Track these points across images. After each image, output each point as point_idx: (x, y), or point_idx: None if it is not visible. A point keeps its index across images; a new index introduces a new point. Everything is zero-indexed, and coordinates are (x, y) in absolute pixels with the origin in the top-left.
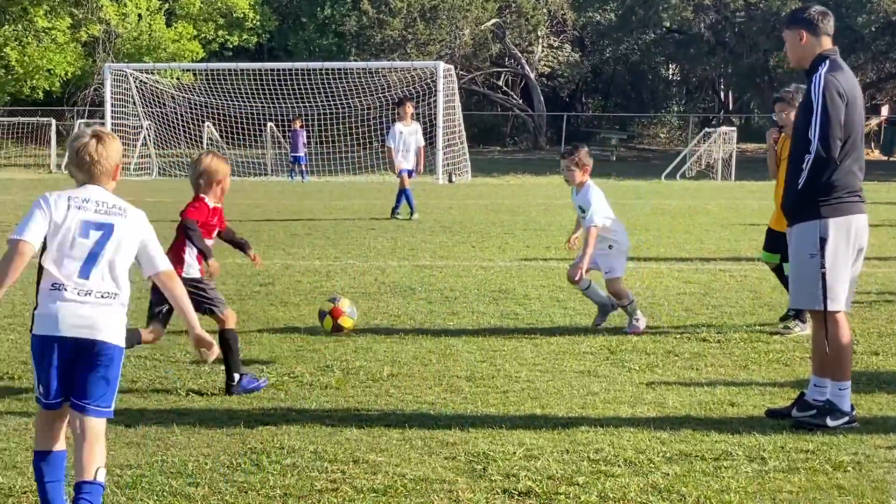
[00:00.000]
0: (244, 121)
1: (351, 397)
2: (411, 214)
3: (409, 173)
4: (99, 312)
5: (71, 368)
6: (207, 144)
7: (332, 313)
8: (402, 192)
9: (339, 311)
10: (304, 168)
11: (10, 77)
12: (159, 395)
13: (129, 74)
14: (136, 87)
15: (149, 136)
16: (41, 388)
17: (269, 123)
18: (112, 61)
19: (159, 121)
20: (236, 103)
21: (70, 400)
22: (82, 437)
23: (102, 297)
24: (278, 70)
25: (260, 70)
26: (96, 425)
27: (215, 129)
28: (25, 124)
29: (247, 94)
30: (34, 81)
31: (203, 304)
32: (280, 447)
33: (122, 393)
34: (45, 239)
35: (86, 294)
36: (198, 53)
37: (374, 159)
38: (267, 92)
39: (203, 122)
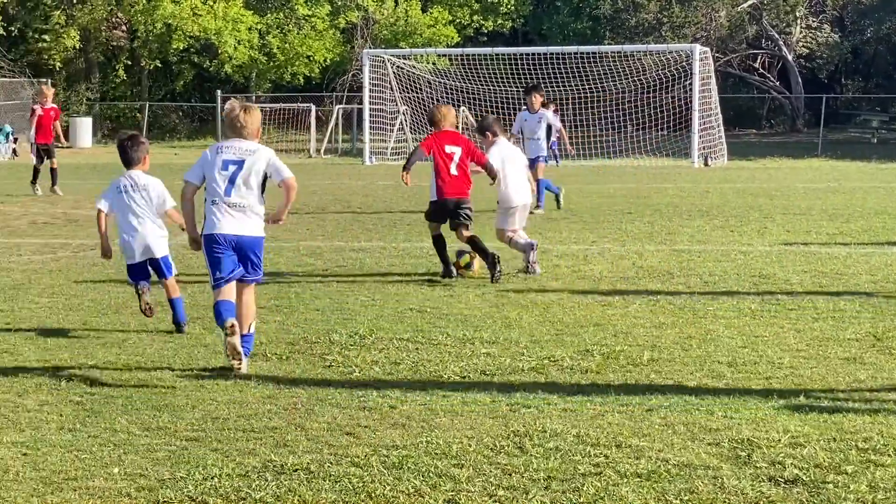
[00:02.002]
0: (499, 105)
1: (612, 381)
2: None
3: (544, 160)
4: (241, 216)
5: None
6: (463, 129)
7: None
8: (538, 182)
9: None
10: (556, 153)
11: (272, 64)
12: (421, 377)
13: (387, 60)
14: (394, 72)
15: (405, 121)
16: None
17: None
18: (370, 47)
19: (415, 106)
20: (491, 88)
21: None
22: (244, 299)
23: (239, 207)
24: (532, 54)
25: (514, 55)
26: (252, 291)
27: (471, 114)
28: (286, 110)
29: (502, 78)
30: (295, 68)
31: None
32: (542, 430)
33: (387, 375)
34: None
35: (230, 206)
36: (453, 38)
37: (628, 143)
38: (521, 76)
39: (458, 107)
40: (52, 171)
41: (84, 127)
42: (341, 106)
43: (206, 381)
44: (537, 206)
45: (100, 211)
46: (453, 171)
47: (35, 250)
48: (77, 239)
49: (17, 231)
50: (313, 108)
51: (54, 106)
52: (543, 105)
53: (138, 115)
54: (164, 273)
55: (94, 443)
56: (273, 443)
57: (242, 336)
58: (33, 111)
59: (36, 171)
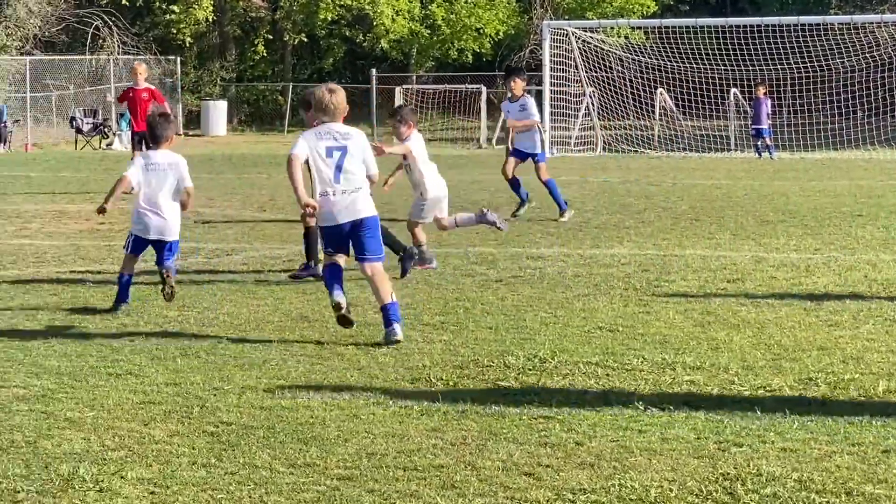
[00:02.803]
0: (703, 87)
1: (839, 416)
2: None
3: (542, 157)
4: (354, 200)
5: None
6: (660, 114)
7: None
8: (545, 184)
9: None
10: (769, 142)
11: (435, 38)
12: (613, 408)
13: (571, 33)
14: (579, 47)
15: (592, 104)
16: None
17: (732, 90)
18: (551, 18)
19: (604, 87)
20: (694, 66)
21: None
22: (374, 277)
23: (350, 192)
24: (743, 27)
25: (722, 27)
26: (380, 268)
27: (669, 96)
28: (452, 92)
29: (706, 55)
30: (462, 43)
31: None
32: (758, 473)
33: (572, 405)
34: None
35: (343, 193)
36: (649, 8)
37: (858, 132)
38: (730, 53)
39: (655, 88)
40: None
41: (218, 112)
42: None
43: (361, 411)
44: (561, 214)
45: (125, 177)
46: None
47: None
48: (210, 243)
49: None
50: (484, 89)
51: (150, 86)
52: (527, 91)
53: (280, 97)
54: (168, 256)
55: (232, 480)
56: (439, 484)
57: (388, 305)
58: (124, 93)
59: None
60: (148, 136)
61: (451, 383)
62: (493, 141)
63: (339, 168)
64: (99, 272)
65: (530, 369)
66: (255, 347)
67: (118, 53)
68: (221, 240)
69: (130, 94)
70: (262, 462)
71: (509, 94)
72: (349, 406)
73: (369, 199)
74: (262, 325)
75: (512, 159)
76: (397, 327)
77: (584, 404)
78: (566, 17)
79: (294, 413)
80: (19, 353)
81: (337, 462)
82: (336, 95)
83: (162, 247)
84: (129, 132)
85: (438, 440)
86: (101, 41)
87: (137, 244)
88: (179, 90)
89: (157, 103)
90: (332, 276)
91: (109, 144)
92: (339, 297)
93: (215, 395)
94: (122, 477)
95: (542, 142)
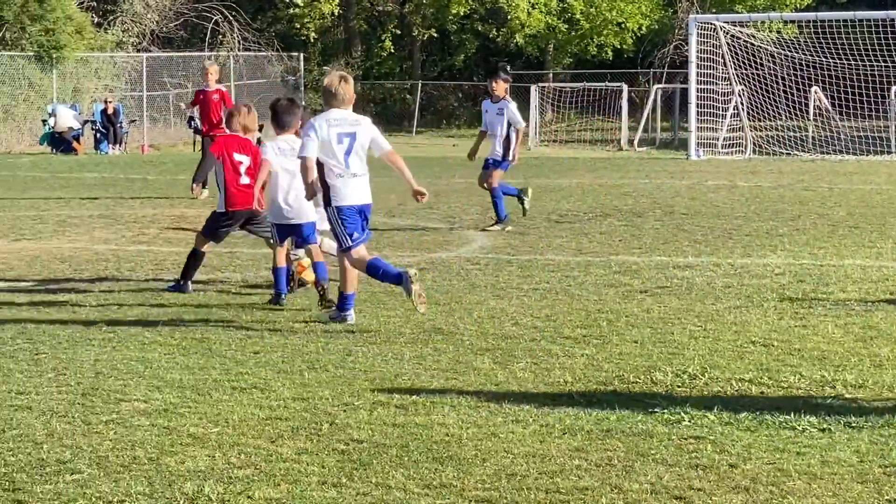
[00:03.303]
0: (862, 85)
1: None
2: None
3: (504, 165)
4: (363, 184)
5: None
6: (815, 114)
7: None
8: (491, 191)
9: (302, 266)
10: None
11: (574, 34)
12: (768, 428)
13: (719, 28)
14: (727, 42)
15: (741, 104)
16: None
17: (893, 88)
18: (697, 11)
19: (754, 85)
20: (852, 63)
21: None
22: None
23: (359, 175)
24: None
25: (883, 20)
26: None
27: (824, 94)
28: (591, 91)
29: (865, 50)
30: (602, 38)
31: None
32: None
33: (724, 425)
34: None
35: (353, 176)
36: (802, 1)
37: None
38: (892, 48)
39: (809, 86)
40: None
41: None
42: (660, 86)
43: (500, 429)
44: (497, 222)
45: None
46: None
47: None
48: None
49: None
50: (625, 88)
51: (220, 87)
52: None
53: (408, 95)
54: (309, 238)
55: (363, 501)
56: None
57: (352, 295)
58: (196, 96)
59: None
60: (274, 122)
61: (594, 400)
62: (636, 142)
63: (348, 153)
64: (223, 281)
65: (679, 386)
66: (386, 361)
67: (239, 50)
68: None
69: (202, 97)
70: (395, 482)
71: (489, 96)
72: (487, 424)
73: (368, 185)
74: (393, 337)
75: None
76: (353, 313)
77: (737, 424)
78: (713, 11)
79: (428, 431)
80: (140, 366)
81: (475, 483)
82: (347, 84)
83: (300, 230)
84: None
85: (582, 461)
86: (220, 37)
87: (281, 232)
88: (302, 88)
89: (226, 106)
90: (381, 263)
91: None
92: (413, 274)
93: (345, 410)
94: (248, 496)
95: (513, 150)
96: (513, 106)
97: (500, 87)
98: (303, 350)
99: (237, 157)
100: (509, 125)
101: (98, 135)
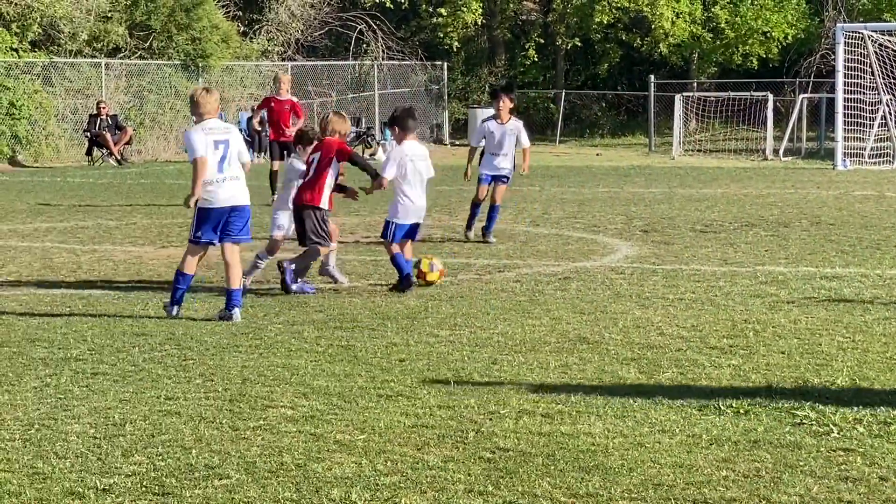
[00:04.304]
0: None
1: None
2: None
3: (493, 179)
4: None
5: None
6: None
7: (419, 277)
8: (475, 206)
9: (422, 273)
10: None
11: (718, 43)
12: None
13: (867, 36)
14: (875, 51)
15: (889, 113)
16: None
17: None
18: (844, 20)
19: None
20: None
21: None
22: (232, 258)
23: (232, 178)
24: None
25: None
26: (237, 250)
27: None
28: (736, 100)
29: None
30: (747, 48)
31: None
32: None
33: (874, 438)
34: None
35: (226, 180)
36: None
37: None
38: None
39: None
40: (273, 174)
41: None
42: (806, 95)
43: (646, 438)
44: (486, 236)
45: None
46: None
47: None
48: (482, 259)
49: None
50: (770, 97)
51: (292, 98)
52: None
53: (552, 105)
54: (415, 237)
55: None
56: None
57: (237, 291)
58: (265, 101)
59: (273, 176)
60: (399, 126)
61: (741, 411)
62: (781, 152)
63: (223, 159)
64: (373, 284)
65: (827, 397)
66: (531, 369)
67: (383, 58)
68: (493, 255)
69: (272, 104)
70: (541, 491)
71: (494, 115)
72: (633, 433)
73: (245, 187)
74: (538, 346)
75: (486, 186)
76: (238, 312)
77: (887, 437)
78: (860, 20)
79: (574, 440)
80: (286, 373)
81: (621, 493)
82: (210, 95)
83: (416, 230)
84: (265, 140)
85: (730, 472)
86: (364, 46)
87: (406, 232)
88: (446, 97)
89: (297, 118)
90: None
91: (373, 155)
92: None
93: (491, 419)
94: (395, 503)
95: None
96: (521, 125)
97: (508, 106)
98: (448, 358)
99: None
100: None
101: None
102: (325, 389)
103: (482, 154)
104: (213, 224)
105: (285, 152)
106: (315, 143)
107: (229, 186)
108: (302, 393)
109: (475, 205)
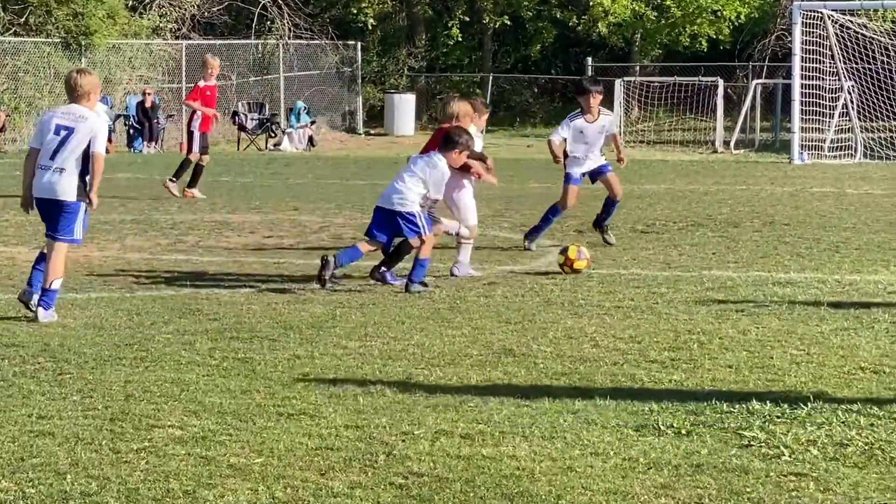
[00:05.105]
0: None
1: None
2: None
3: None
4: (59, 179)
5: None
6: None
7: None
8: (554, 212)
9: (570, 260)
10: None
11: (663, 22)
12: (878, 463)
13: (827, 16)
14: (836, 33)
15: (851, 102)
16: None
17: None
18: None
19: (866, 81)
20: None
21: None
22: (53, 254)
23: (59, 170)
24: None
25: None
26: (61, 248)
27: None
28: (682, 87)
29: None
30: (696, 28)
31: None
32: None
33: (828, 461)
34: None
35: (53, 169)
36: None
37: None
38: None
39: None
40: (199, 168)
41: (404, 107)
42: (760, 81)
43: (577, 462)
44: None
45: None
46: None
47: (342, 277)
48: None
49: (315, 249)
50: (721, 83)
51: (217, 83)
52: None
53: (478, 90)
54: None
55: None
56: None
57: (53, 292)
58: (199, 90)
59: (198, 169)
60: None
61: (683, 432)
62: (732, 144)
63: (60, 146)
64: (274, 290)
65: (778, 416)
66: (450, 385)
67: (289, 37)
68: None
69: (207, 93)
70: None
71: (581, 111)
72: (562, 456)
73: (74, 183)
74: (458, 359)
75: (575, 187)
76: (46, 313)
77: (843, 460)
78: None
79: (497, 463)
80: (175, 388)
81: None
82: (83, 77)
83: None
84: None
85: (669, 499)
86: (268, 23)
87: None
88: (359, 81)
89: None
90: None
91: (277, 144)
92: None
93: (404, 440)
94: None
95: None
96: (612, 117)
97: (598, 101)
98: (357, 372)
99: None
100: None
101: (132, 131)
102: (219, 407)
103: (565, 155)
104: (42, 215)
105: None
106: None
107: (48, 177)
108: (192, 411)
109: (555, 211)
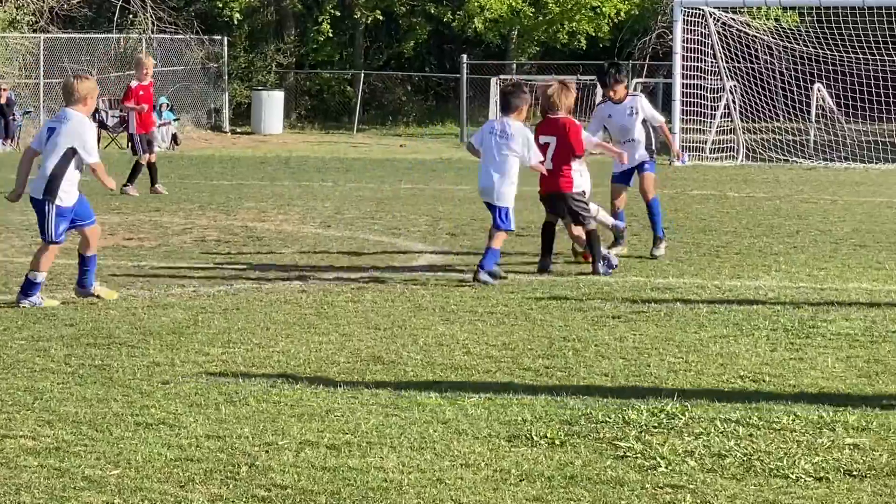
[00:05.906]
0: (872, 82)
1: None
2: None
3: (651, 166)
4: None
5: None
6: (817, 115)
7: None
8: (650, 205)
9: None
10: None
11: (542, 19)
12: (757, 475)
13: (709, 15)
14: (718, 31)
15: (733, 103)
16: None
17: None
18: None
19: (748, 81)
20: (860, 57)
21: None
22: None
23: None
24: None
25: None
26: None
27: (829, 93)
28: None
29: (877, 43)
30: (574, 24)
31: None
32: None
33: (706, 472)
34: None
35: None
36: None
37: None
38: None
39: (811, 83)
40: (152, 165)
41: (273, 105)
42: (640, 80)
43: (446, 474)
44: (657, 245)
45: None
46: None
47: (203, 279)
48: (263, 265)
49: (178, 251)
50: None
51: (151, 82)
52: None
53: (349, 88)
54: (501, 223)
55: None
56: None
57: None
58: (129, 89)
59: (136, 168)
60: (501, 104)
61: (557, 442)
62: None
63: (46, 142)
64: (134, 295)
65: (655, 427)
66: (316, 394)
67: (152, 31)
68: (277, 261)
69: (141, 93)
70: None
71: (607, 97)
72: (431, 468)
73: (44, 182)
74: (324, 366)
75: (621, 186)
76: (26, 300)
77: (721, 471)
78: None
79: (363, 475)
80: (28, 396)
81: None
82: (80, 82)
83: (493, 210)
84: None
85: None
86: (130, 16)
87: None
88: (226, 77)
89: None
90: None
91: None
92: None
93: (267, 451)
94: None
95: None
96: (645, 101)
97: (621, 85)
98: (219, 380)
99: (542, 139)
100: (643, 122)
101: None
102: (74, 416)
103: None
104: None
105: (149, 144)
106: (542, 120)
107: (37, 176)
108: (46, 420)
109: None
